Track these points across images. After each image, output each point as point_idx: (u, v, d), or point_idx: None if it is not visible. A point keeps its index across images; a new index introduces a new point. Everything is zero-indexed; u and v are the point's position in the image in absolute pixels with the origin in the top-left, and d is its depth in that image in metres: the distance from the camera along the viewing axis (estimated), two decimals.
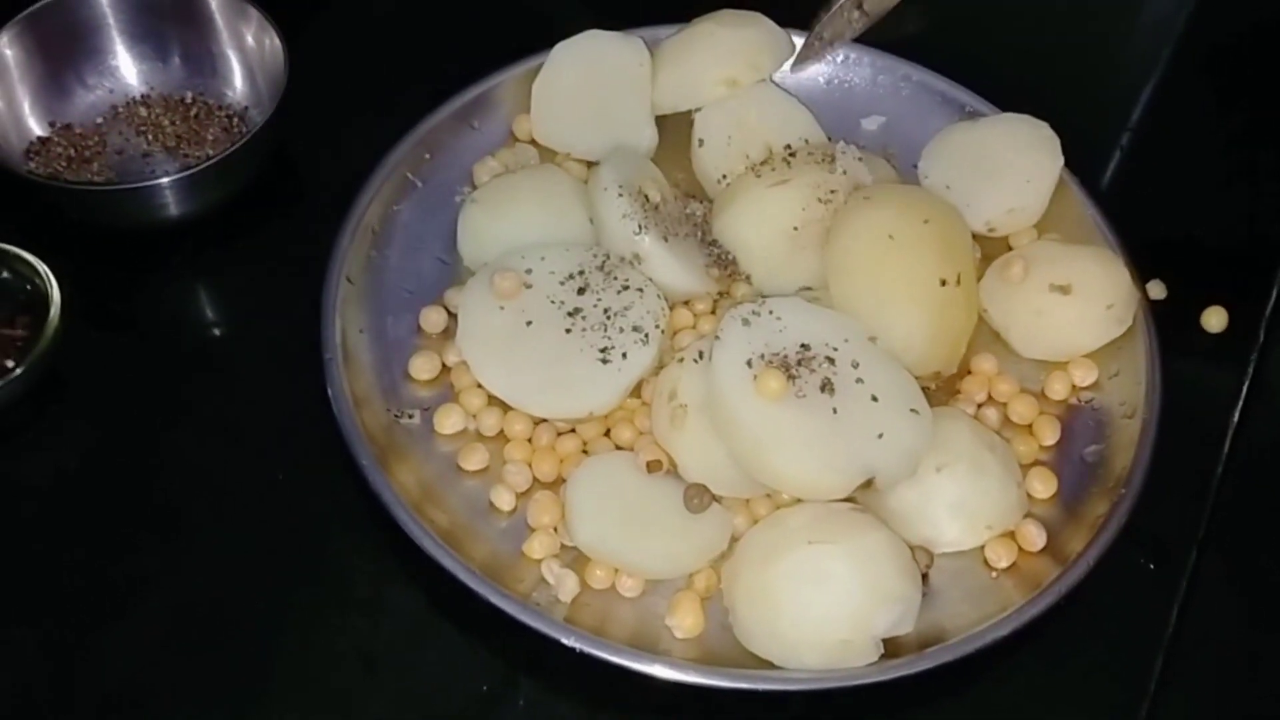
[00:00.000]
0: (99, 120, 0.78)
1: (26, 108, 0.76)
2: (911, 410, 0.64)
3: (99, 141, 0.77)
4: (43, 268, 0.68)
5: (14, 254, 0.69)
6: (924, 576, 0.62)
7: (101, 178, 0.76)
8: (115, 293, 0.74)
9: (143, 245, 0.75)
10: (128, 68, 0.79)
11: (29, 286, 0.68)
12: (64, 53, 0.77)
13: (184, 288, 0.75)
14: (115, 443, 0.68)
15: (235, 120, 0.78)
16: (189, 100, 0.79)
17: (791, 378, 0.63)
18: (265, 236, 0.77)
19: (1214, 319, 0.74)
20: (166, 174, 0.71)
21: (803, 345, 0.64)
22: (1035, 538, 0.64)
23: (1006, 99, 0.80)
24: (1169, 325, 0.71)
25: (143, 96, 0.79)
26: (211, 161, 0.71)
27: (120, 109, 0.79)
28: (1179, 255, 0.76)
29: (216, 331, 0.75)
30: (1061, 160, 0.75)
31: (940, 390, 0.70)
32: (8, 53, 0.75)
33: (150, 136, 0.78)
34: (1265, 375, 0.73)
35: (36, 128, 0.77)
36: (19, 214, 0.73)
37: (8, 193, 0.72)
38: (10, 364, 0.66)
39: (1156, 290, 0.74)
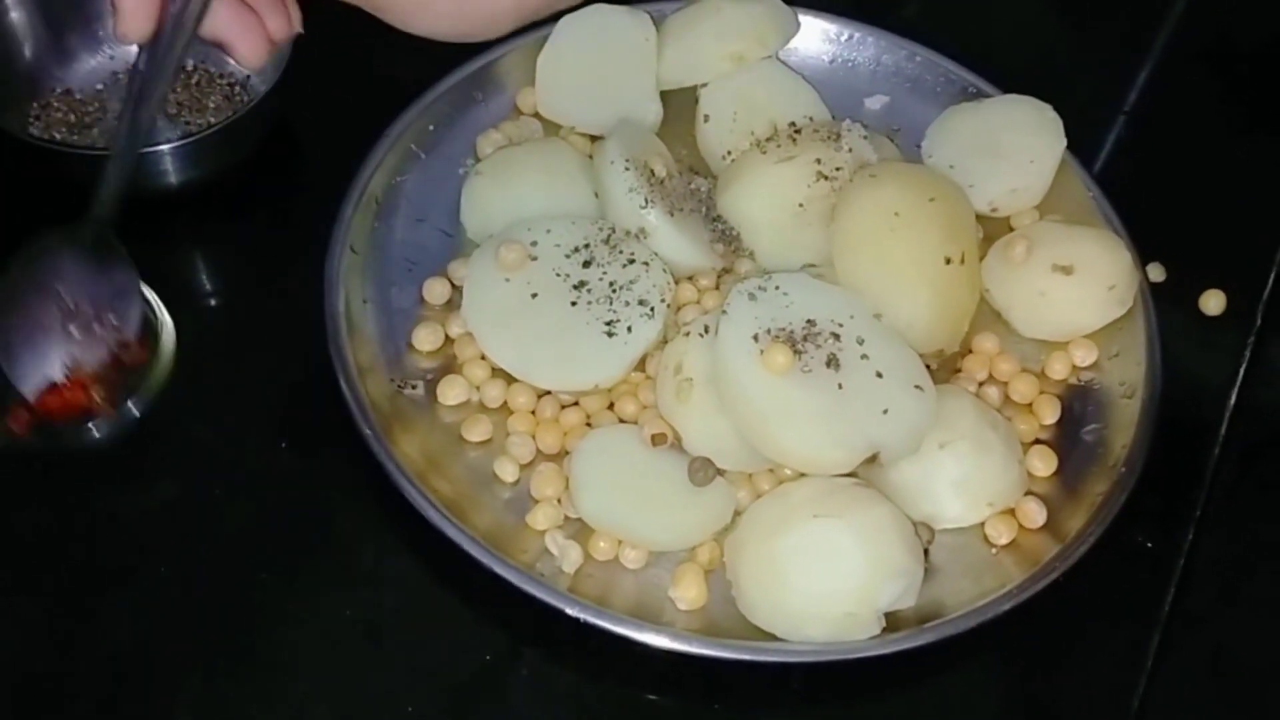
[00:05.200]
0: (100, 86, 0.78)
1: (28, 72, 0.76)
2: (916, 387, 0.64)
3: (100, 108, 0.77)
4: (152, 296, 0.64)
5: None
6: (925, 552, 0.63)
7: (102, 144, 0.75)
8: None
9: (143, 214, 0.74)
10: None
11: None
12: (66, 17, 0.76)
13: (185, 257, 0.75)
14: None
15: (237, 88, 0.78)
16: (190, 68, 0.78)
17: (798, 353, 0.63)
18: (267, 206, 0.76)
19: (1212, 302, 0.75)
20: (168, 141, 0.71)
21: (809, 321, 0.65)
22: (1035, 515, 0.65)
23: (1007, 81, 0.80)
24: (1168, 307, 0.72)
25: None
26: (213, 129, 0.71)
27: (121, 75, 0.78)
28: (1177, 239, 0.76)
29: (217, 301, 0.74)
30: (1064, 142, 0.75)
31: (941, 369, 0.70)
32: (12, 15, 0.74)
33: None
34: (1263, 358, 0.74)
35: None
36: (18, 182, 0.72)
37: (8, 159, 0.72)
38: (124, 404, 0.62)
39: (1156, 273, 0.75)
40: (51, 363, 0.59)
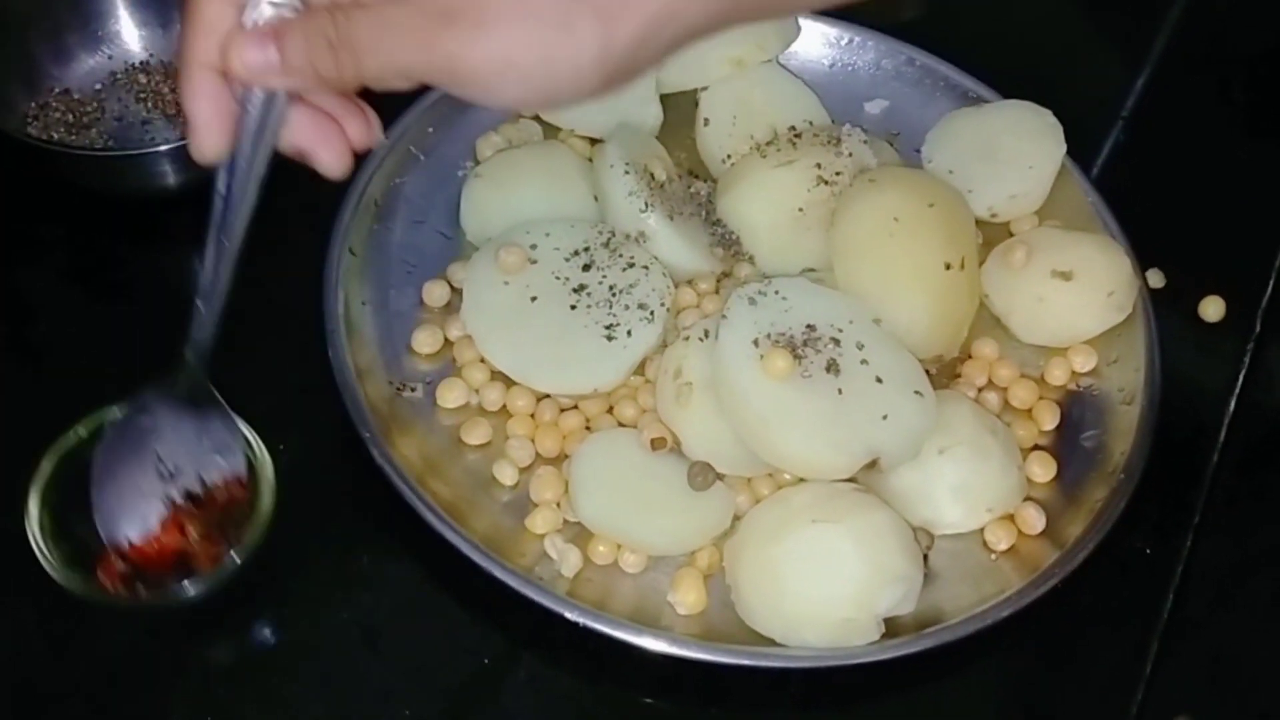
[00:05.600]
0: (98, 86, 0.77)
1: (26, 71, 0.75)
2: (916, 392, 0.64)
3: (98, 108, 0.76)
4: (250, 434, 0.60)
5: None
6: (924, 558, 0.63)
7: (100, 144, 0.75)
8: (113, 261, 0.73)
9: (141, 214, 0.74)
10: (129, 33, 0.78)
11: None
12: (65, 17, 0.76)
13: (183, 258, 0.75)
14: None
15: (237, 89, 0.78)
16: None
17: (797, 358, 0.63)
18: (265, 207, 0.76)
19: (1211, 308, 0.75)
20: (166, 141, 0.70)
21: (808, 326, 0.65)
22: (1035, 521, 0.65)
23: (1006, 86, 0.80)
24: (1167, 314, 0.72)
25: (142, 63, 0.78)
26: None
27: (120, 75, 0.78)
28: (1177, 245, 0.77)
29: None
30: (1064, 147, 0.76)
31: (941, 374, 0.70)
32: (11, 15, 0.74)
33: (150, 104, 0.77)
34: (1261, 363, 0.74)
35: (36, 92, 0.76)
36: (16, 182, 0.72)
37: (6, 159, 0.72)
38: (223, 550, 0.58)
39: (1155, 279, 0.75)
40: (150, 522, 0.57)
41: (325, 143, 0.50)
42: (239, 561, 0.57)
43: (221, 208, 0.52)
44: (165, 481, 0.58)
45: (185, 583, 0.56)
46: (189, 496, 0.58)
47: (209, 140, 0.49)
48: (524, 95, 0.45)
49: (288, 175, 0.76)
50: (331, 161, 0.51)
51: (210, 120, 0.48)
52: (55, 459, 0.58)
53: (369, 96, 0.51)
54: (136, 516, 0.57)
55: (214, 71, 0.47)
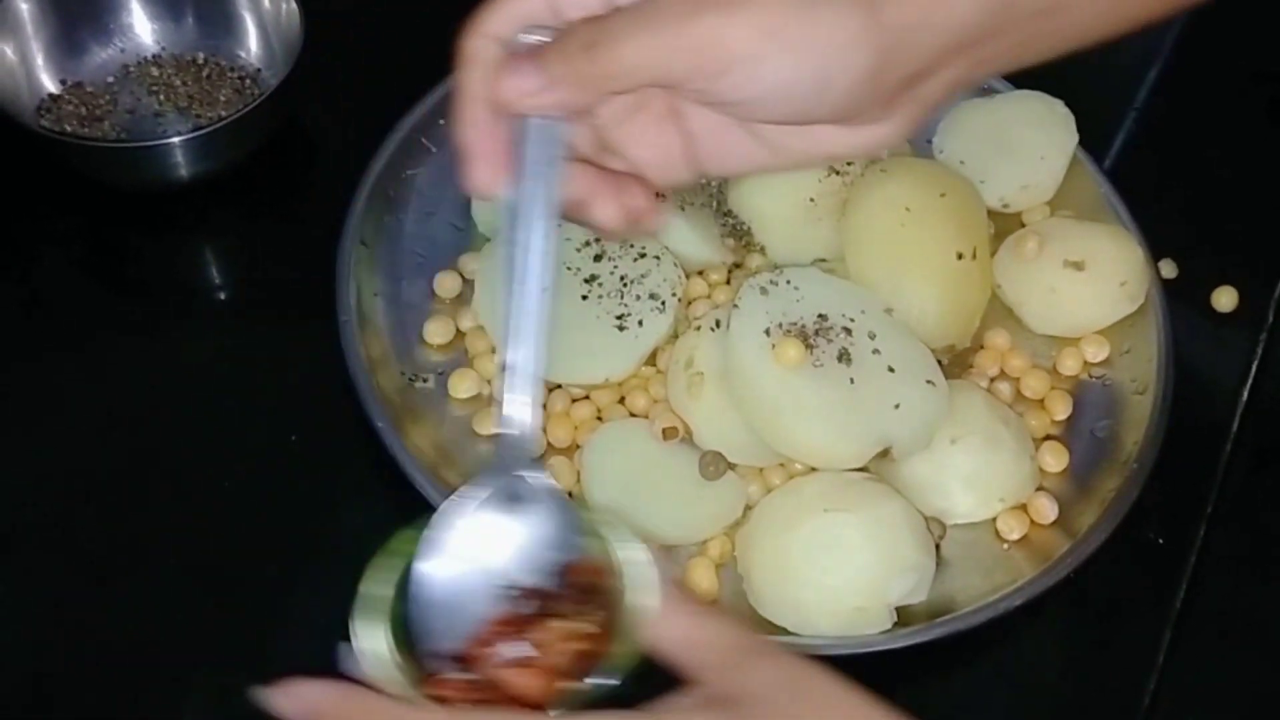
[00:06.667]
0: (110, 79, 0.78)
1: (39, 64, 0.76)
2: (928, 382, 0.64)
3: (110, 100, 0.77)
4: (618, 537, 0.45)
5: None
6: (936, 547, 0.63)
7: (112, 137, 0.75)
8: (125, 254, 0.74)
9: (154, 207, 0.74)
10: (141, 26, 0.78)
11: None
12: (78, 9, 0.76)
13: (196, 250, 0.75)
14: (127, 404, 0.67)
15: (248, 82, 0.78)
16: (201, 61, 0.78)
17: (809, 347, 0.63)
18: (277, 199, 0.76)
19: (1224, 298, 0.75)
20: (178, 134, 0.71)
21: (820, 315, 0.65)
22: (1047, 511, 0.65)
23: (1018, 76, 0.80)
24: (1180, 304, 0.72)
25: (154, 56, 0.78)
26: (224, 122, 0.71)
27: (132, 68, 0.78)
28: (1189, 235, 0.76)
29: (227, 294, 0.74)
30: (1076, 137, 0.75)
31: (953, 364, 0.70)
32: (23, 7, 0.74)
33: (162, 96, 0.77)
34: (1274, 354, 0.73)
35: (49, 84, 0.76)
36: (29, 174, 0.72)
37: (19, 151, 0.72)
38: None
39: (1168, 269, 0.74)
40: (496, 651, 0.44)
41: (602, 196, 0.48)
42: (616, 683, 0.42)
43: (519, 256, 0.46)
44: (514, 602, 0.46)
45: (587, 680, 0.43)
46: (533, 594, 0.46)
47: (484, 173, 0.47)
48: (790, 76, 0.42)
49: (299, 168, 0.77)
50: (608, 216, 0.48)
51: (484, 152, 0.46)
52: (391, 583, 0.46)
53: None
54: (471, 624, 0.45)
55: (485, 104, 0.46)
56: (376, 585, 0.46)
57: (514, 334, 0.45)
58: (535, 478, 0.46)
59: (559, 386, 0.67)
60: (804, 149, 0.47)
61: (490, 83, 0.45)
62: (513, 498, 0.46)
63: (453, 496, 0.46)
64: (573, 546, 0.45)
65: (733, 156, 0.48)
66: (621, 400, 0.67)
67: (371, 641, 0.43)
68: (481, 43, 0.46)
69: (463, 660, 0.45)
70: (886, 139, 0.46)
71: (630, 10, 0.43)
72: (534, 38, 0.45)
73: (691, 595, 0.48)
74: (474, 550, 0.45)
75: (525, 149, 0.46)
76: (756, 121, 0.46)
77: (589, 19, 0.44)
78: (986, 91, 0.79)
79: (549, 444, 0.65)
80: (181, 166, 0.71)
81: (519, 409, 0.45)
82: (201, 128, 0.72)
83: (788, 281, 0.66)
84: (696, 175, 0.48)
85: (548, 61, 0.44)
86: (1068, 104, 0.76)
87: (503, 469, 0.46)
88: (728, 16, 0.42)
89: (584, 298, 0.67)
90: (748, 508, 0.64)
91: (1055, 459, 0.67)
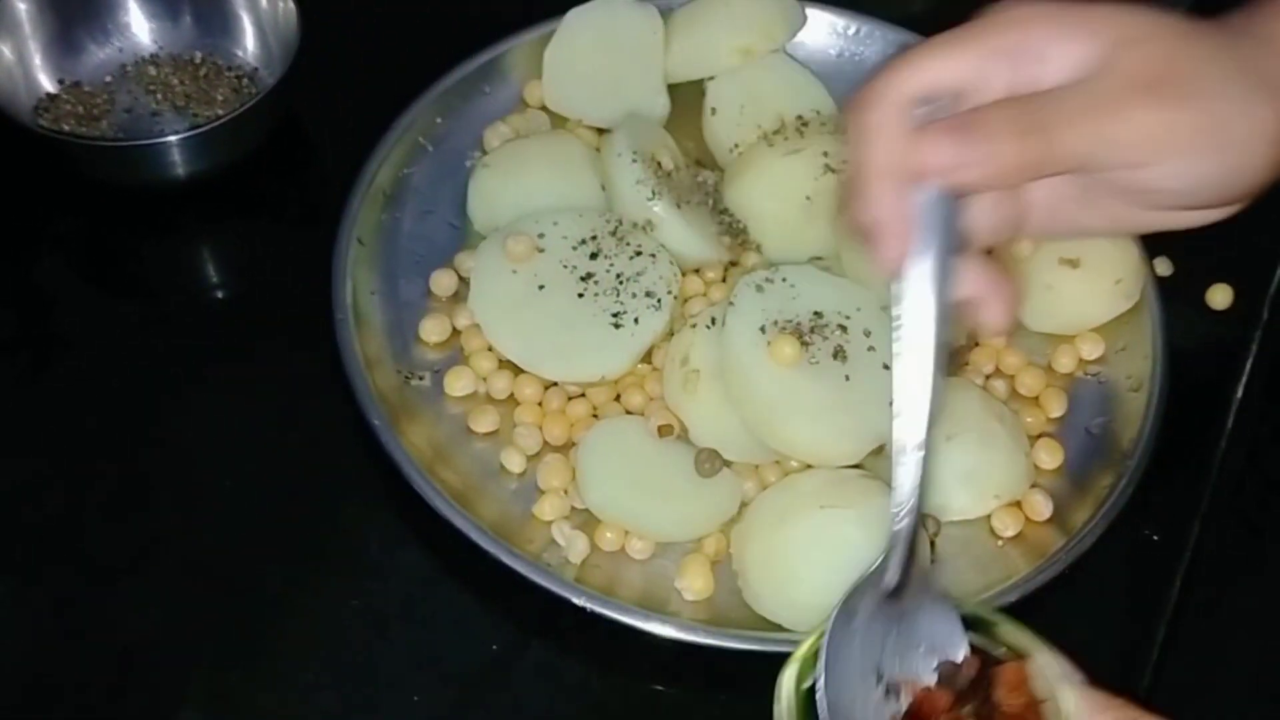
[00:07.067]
0: (108, 78, 0.78)
1: (37, 63, 0.76)
2: None
3: (108, 100, 0.77)
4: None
5: None
6: (931, 544, 0.63)
7: (110, 136, 0.75)
8: (123, 253, 0.74)
9: (151, 206, 0.75)
10: (139, 25, 0.79)
11: None
12: (75, 9, 0.77)
13: (192, 249, 0.75)
14: (124, 405, 0.67)
15: (245, 81, 0.78)
16: (198, 60, 0.78)
17: (805, 344, 0.63)
18: (275, 198, 0.77)
19: (1219, 296, 0.75)
20: (175, 133, 0.71)
21: (815, 313, 0.65)
22: (1042, 507, 0.65)
23: None
24: (1175, 301, 0.72)
25: (152, 55, 0.79)
26: (221, 121, 0.71)
27: (130, 67, 0.78)
28: (1184, 232, 0.76)
29: (224, 292, 0.75)
30: None
31: (948, 361, 0.70)
32: (20, 7, 0.74)
33: (159, 95, 0.77)
34: (1269, 351, 0.73)
35: (46, 84, 0.76)
36: (27, 173, 0.72)
37: (16, 150, 0.72)
38: None
39: (1163, 267, 0.75)
40: None
41: (996, 293, 0.47)
42: None
43: (907, 331, 0.47)
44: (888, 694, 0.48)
45: None
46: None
47: (896, 249, 0.45)
48: (1217, 170, 0.42)
49: (296, 166, 0.78)
50: (999, 314, 0.48)
51: (896, 230, 0.45)
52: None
53: None
54: None
55: (892, 177, 0.44)
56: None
57: (904, 414, 0.46)
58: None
59: (555, 384, 0.67)
60: (1146, 222, 0.46)
61: (902, 154, 0.44)
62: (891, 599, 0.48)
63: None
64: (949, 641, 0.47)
65: (1060, 224, 0.48)
66: (617, 398, 0.67)
67: None
68: (887, 114, 0.44)
69: None
70: (1225, 215, 0.46)
71: (1074, 92, 0.41)
72: (925, 109, 0.44)
73: (1103, 691, 0.47)
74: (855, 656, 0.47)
75: (924, 223, 0.44)
76: (1155, 207, 0.45)
77: (1021, 98, 0.42)
78: None
79: (545, 441, 0.66)
80: (179, 165, 0.71)
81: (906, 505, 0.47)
82: (199, 127, 0.72)
83: (783, 279, 0.66)
84: (1016, 236, 0.47)
85: (990, 136, 0.42)
86: None
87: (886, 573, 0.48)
88: (1176, 111, 0.40)
89: (580, 296, 0.67)
90: (743, 505, 0.64)
91: (1050, 456, 0.67)
